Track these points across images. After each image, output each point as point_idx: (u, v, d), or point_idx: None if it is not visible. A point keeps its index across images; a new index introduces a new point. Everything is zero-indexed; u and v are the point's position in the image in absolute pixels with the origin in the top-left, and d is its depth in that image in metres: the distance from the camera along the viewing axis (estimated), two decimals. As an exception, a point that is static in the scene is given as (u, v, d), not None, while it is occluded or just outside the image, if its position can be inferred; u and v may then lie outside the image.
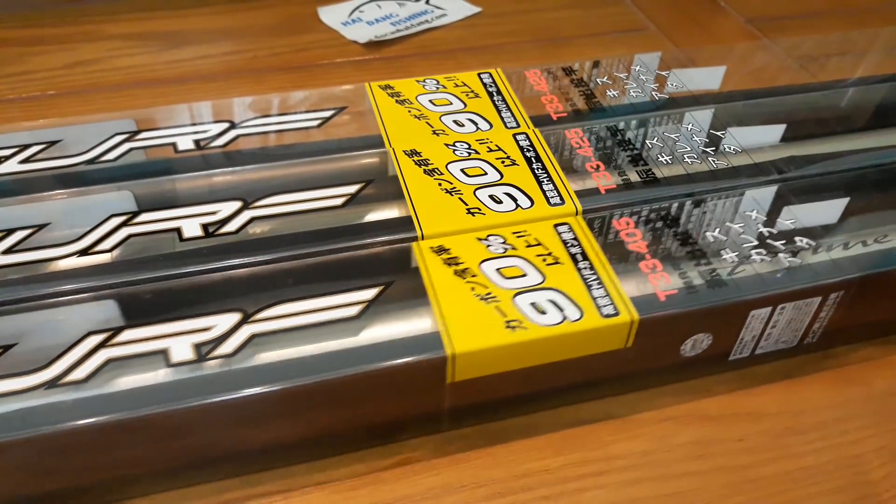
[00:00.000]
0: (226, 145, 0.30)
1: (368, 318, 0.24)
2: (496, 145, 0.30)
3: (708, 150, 0.30)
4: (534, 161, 0.29)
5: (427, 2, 0.48)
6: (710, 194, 0.28)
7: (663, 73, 0.34)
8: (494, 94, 0.33)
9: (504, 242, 0.26)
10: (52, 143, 0.30)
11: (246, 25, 0.46)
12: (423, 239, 0.26)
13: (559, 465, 0.25)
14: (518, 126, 0.31)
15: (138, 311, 0.24)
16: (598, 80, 0.34)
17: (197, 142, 0.30)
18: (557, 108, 0.32)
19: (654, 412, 0.26)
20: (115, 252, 0.25)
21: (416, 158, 0.29)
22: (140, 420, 0.21)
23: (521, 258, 0.25)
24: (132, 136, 0.30)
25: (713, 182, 0.29)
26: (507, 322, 0.23)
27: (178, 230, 0.26)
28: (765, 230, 0.27)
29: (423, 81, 0.33)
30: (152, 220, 0.26)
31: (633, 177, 0.29)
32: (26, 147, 0.29)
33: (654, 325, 0.24)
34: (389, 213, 0.27)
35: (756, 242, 0.26)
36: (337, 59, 0.43)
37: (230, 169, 0.29)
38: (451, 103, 0.32)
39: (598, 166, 0.29)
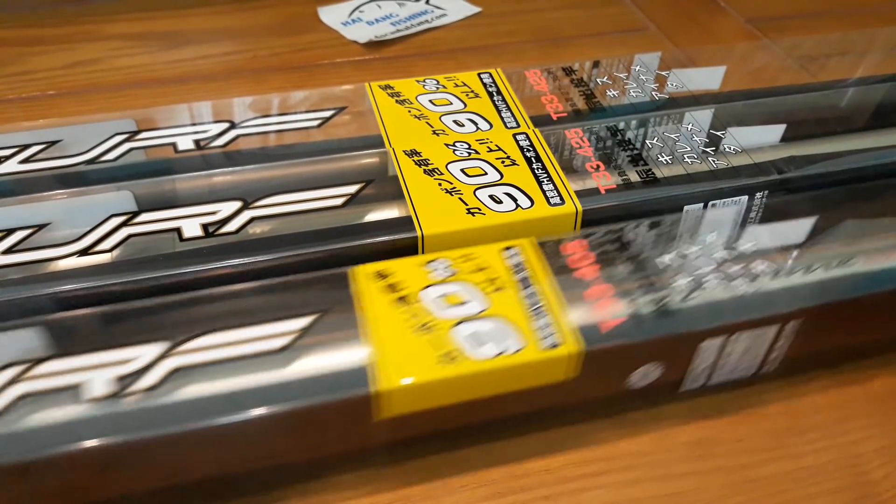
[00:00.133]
0: (226, 145, 0.30)
1: (298, 349, 0.22)
2: (496, 145, 0.30)
3: (708, 150, 0.30)
4: (534, 161, 0.29)
5: (427, 2, 0.48)
6: (668, 216, 0.27)
7: (663, 73, 0.34)
8: (494, 94, 0.33)
9: (449, 267, 0.25)
10: (52, 143, 0.30)
11: (246, 25, 0.46)
12: (422, 239, 0.26)
13: (559, 464, 0.25)
14: (518, 126, 0.31)
15: (59, 341, 0.22)
16: (598, 80, 0.34)
17: (197, 142, 0.30)
18: (557, 108, 0.32)
19: (600, 446, 0.25)
20: (115, 252, 0.25)
21: (416, 158, 0.29)
22: (51, 459, 0.20)
23: (465, 284, 0.24)
24: (132, 136, 0.30)
25: (713, 182, 0.29)
26: (442, 355, 0.22)
27: (178, 230, 0.26)
28: (722, 254, 0.26)
29: (423, 81, 0.33)
30: (152, 220, 0.26)
31: (633, 177, 0.29)
32: (26, 147, 0.29)
33: (598, 357, 0.23)
34: (389, 213, 0.27)
35: (712, 267, 0.25)
36: (337, 59, 0.43)
37: (230, 169, 0.29)
38: (451, 103, 0.32)
39: (598, 166, 0.29)
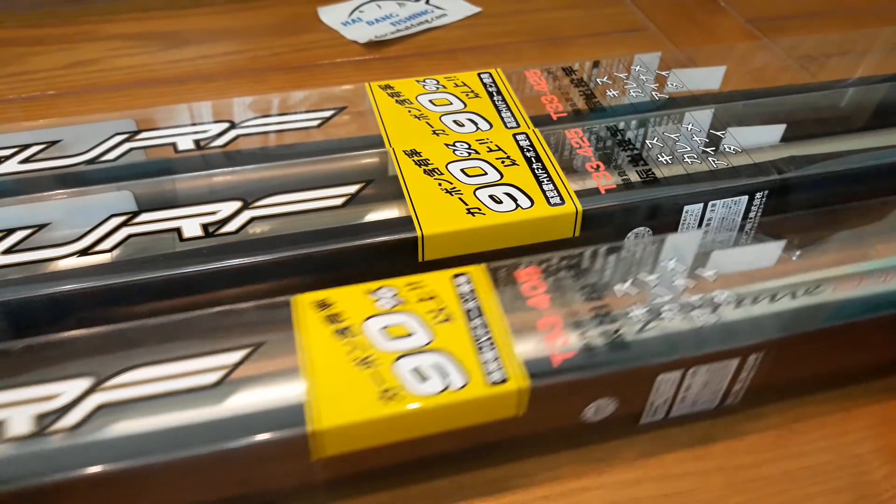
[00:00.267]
0: (226, 145, 0.30)
1: (232, 384, 0.21)
2: (496, 145, 0.30)
3: (708, 150, 0.30)
4: (534, 161, 0.29)
5: (427, 2, 0.48)
6: (628, 241, 0.26)
7: (663, 73, 0.34)
8: (494, 94, 0.33)
9: (395, 296, 0.24)
10: (52, 143, 0.30)
11: (246, 25, 0.46)
12: (422, 239, 0.26)
13: (559, 464, 0.25)
14: (518, 126, 0.31)
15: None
16: (598, 80, 0.34)
17: (197, 142, 0.30)
18: (557, 108, 0.32)
19: (553, 484, 0.24)
20: (115, 252, 0.25)
21: (416, 158, 0.29)
22: None
23: (411, 314, 0.23)
24: (132, 136, 0.30)
25: (713, 182, 0.29)
26: (383, 391, 0.21)
27: (178, 230, 0.26)
28: (683, 282, 0.25)
29: (423, 81, 0.33)
30: (152, 220, 0.26)
31: (633, 177, 0.29)
32: (26, 147, 0.29)
33: (547, 393, 0.22)
34: (389, 213, 0.27)
35: (670, 297, 0.24)
36: (337, 59, 0.43)
37: (230, 169, 0.29)
38: (451, 103, 0.32)
39: (598, 166, 0.29)
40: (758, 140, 0.31)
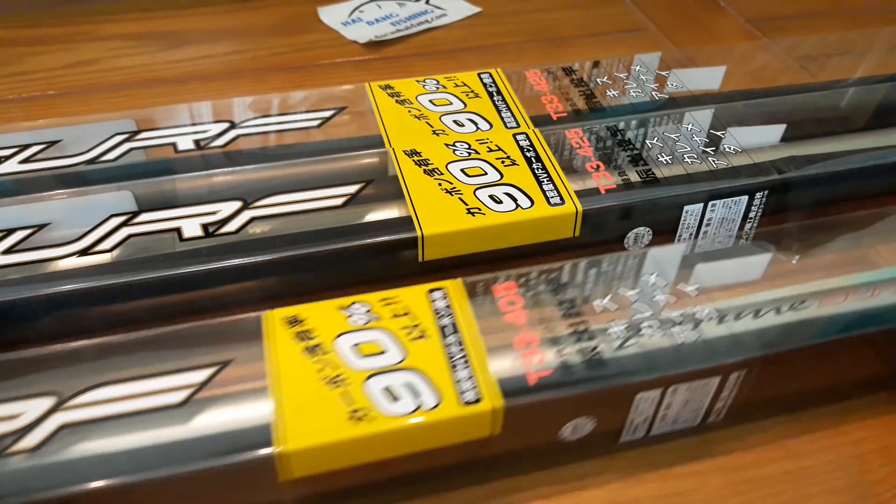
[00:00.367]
0: (226, 145, 0.30)
1: (199, 404, 0.21)
2: (496, 145, 0.30)
3: (708, 150, 0.30)
4: (534, 161, 0.29)
5: (427, 2, 0.48)
6: (609, 255, 0.26)
7: (663, 73, 0.34)
8: (494, 94, 0.33)
9: (369, 311, 0.23)
10: (52, 143, 0.30)
11: (246, 25, 0.46)
12: (422, 239, 0.26)
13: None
14: (518, 126, 0.31)
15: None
16: (598, 80, 0.34)
17: (197, 142, 0.30)
18: (557, 108, 0.32)
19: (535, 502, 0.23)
20: (115, 252, 0.25)
21: (416, 158, 0.29)
22: None
23: (384, 331, 0.23)
24: (132, 136, 0.30)
25: (713, 182, 0.29)
26: (353, 412, 0.20)
27: (178, 230, 0.26)
28: (664, 297, 0.24)
29: (423, 81, 0.33)
30: (152, 220, 0.26)
31: (633, 177, 0.29)
32: (26, 147, 0.29)
33: (522, 412, 0.21)
34: (389, 213, 0.27)
35: (650, 312, 0.23)
36: (337, 59, 0.43)
37: (230, 169, 0.29)
38: (451, 103, 0.32)
39: (598, 166, 0.29)
40: (758, 140, 0.31)
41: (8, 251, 0.25)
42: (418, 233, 0.26)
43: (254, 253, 0.25)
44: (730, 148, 0.30)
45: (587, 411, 0.22)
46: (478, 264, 0.27)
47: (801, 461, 0.25)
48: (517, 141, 0.30)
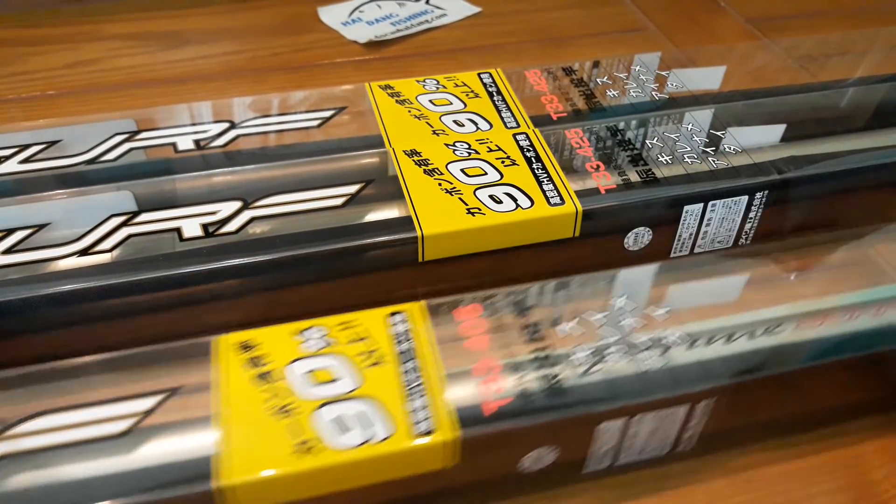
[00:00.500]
0: (226, 145, 0.30)
1: (142, 434, 0.20)
2: (496, 145, 0.30)
3: (708, 150, 0.30)
4: (534, 161, 0.29)
5: (427, 2, 0.48)
6: (578, 276, 0.25)
7: (663, 73, 0.34)
8: (494, 94, 0.33)
9: (324, 336, 0.22)
10: (52, 143, 0.30)
11: (246, 25, 0.46)
12: (422, 239, 0.26)
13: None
14: (518, 126, 0.31)
15: None
16: (598, 80, 0.34)
17: (197, 142, 0.30)
18: (557, 108, 0.32)
19: None
20: (115, 252, 0.25)
21: (416, 158, 0.29)
22: None
23: (339, 357, 0.22)
24: (132, 136, 0.30)
25: (713, 182, 0.29)
26: (299, 443, 0.20)
27: (178, 230, 0.26)
28: (631, 321, 0.23)
29: (423, 81, 0.33)
30: (152, 220, 0.26)
31: (633, 177, 0.29)
32: (26, 147, 0.29)
33: (479, 443, 0.21)
34: (389, 213, 0.27)
35: (616, 337, 0.23)
36: (337, 59, 0.43)
37: (230, 169, 0.29)
38: (451, 103, 0.32)
39: (598, 166, 0.29)
40: (758, 140, 0.31)
41: (8, 251, 0.25)
42: (418, 233, 0.26)
43: (254, 253, 0.25)
44: (730, 148, 0.30)
45: (549, 441, 0.22)
46: (477, 264, 0.27)
47: (802, 461, 0.25)
48: (517, 141, 0.30)
